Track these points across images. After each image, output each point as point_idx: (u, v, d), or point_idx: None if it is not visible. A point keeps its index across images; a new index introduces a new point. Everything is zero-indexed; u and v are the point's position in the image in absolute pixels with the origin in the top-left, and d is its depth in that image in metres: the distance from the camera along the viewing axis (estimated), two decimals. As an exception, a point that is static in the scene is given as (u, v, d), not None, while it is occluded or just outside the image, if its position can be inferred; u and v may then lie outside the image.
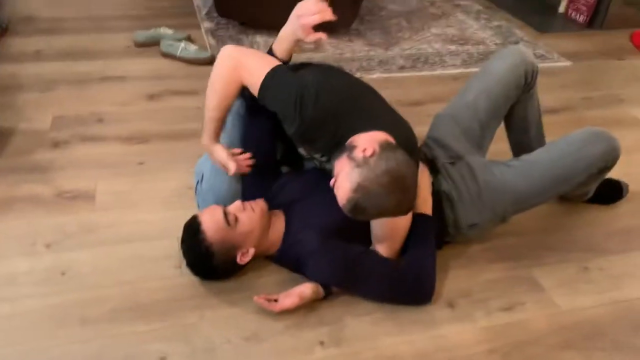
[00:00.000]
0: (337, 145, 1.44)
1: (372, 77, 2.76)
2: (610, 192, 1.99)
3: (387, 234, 1.57)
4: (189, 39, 2.96)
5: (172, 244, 1.68)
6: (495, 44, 3.24)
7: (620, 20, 3.53)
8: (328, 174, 1.59)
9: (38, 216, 1.78)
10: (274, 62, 1.48)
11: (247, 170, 1.68)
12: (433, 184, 1.67)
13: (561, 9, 3.76)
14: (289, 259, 1.59)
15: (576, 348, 1.48)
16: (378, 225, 1.56)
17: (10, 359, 1.37)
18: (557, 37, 3.43)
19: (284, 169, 1.85)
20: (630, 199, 2.02)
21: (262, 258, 1.64)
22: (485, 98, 1.78)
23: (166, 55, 2.81)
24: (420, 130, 1.71)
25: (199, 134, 2.17)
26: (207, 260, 1.51)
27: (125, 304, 1.51)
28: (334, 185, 1.38)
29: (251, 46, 2.97)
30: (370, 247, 1.61)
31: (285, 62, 1.60)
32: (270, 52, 1.62)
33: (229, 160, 1.60)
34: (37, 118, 2.27)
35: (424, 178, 1.64)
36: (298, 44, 1.57)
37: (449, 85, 2.73)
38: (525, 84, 1.79)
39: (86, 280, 1.57)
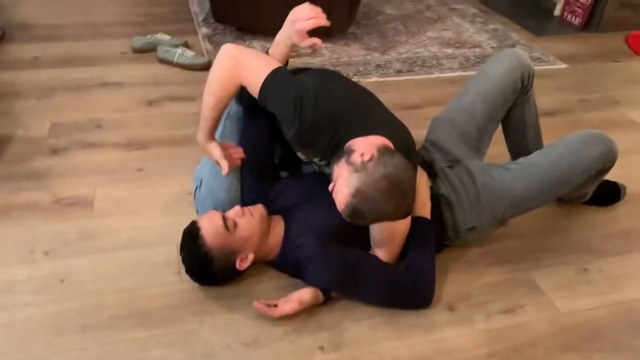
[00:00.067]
0: (336, 149, 1.45)
1: (369, 81, 2.77)
2: (608, 194, 1.99)
3: (386, 238, 1.57)
4: (185, 45, 2.96)
5: (172, 250, 1.68)
6: (492, 47, 3.25)
7: (616, 22, 3.55)
8: (326, 178, 1.60)
9: (36, 223, 1.78)
10: (275, 64, 1.48)
11: (238, 163, 1.68)
12: (431, 188, 1.67)
13: (557, 11, 3.78)
14: (288, 264, 1.59)
15: (576, 350, 1.49)
16: (377, 230, 1.56)
17: (10, 367, 1.37)
18: (553, 40, 3.45)
19: (283, 174, 1.85)
20: (628, 201, 2.03)
21: (262, 263, 1.64)
22: (482, 101, 1.78)
23: (163, 61, 2.81)
24: (418, 134, 1.71)
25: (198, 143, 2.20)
26: (207, 266, 1.50)
27: (124, 311, 1.51)
28: (332, 190, 1.38)
29: (248, 51, 2.97)
30: (370, 252, 1.61)
31: (282, 67, 1.60)
32: (267, 57, 1.62)
33: (222, 159, 1.60)
34: (35, 125, 2.27)
35: (423, 182, 1.64)
36: (294, 49, 1.57)
37: (446, 88, 2.74)
38: (522, 87, 1.79)
39: (85, 288, 1.57)
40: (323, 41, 1.53)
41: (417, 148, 1.63)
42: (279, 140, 1.69)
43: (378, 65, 2.95)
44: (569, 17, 3.69)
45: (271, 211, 1.66)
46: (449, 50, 3.19)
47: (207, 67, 2.77)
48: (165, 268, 1.64)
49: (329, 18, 1.51)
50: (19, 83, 2.57)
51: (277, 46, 1.57)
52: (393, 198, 1.33)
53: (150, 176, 2.03)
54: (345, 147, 1.42)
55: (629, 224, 1.95)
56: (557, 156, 1.68)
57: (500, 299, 1.62)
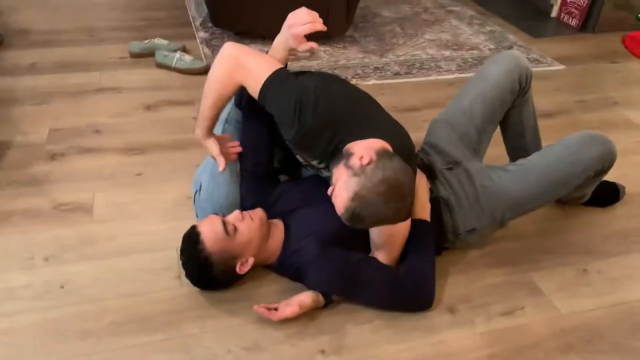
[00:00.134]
0: (335, 152, 1.45)
1: (368, 84, 2.78)
2: (607, 195, 2.00)
3: (386, 241, 1.57)
4: (183, 49, 2.97)
5: (172, 255, 1.68)
6: (489, 49, 3.26)
7: (612, 23, 3.56)
8: (326, 182, 1.60)
9: (36, 229, 1.78)
10: (275, 65, 1.48)
11: (234, 157, 1.68)
12: (431, 190, 1.67)
13: (554, 13, 3.79)
14: (289, 267, 1.59)
15: (576, 351, 1.49)
16: (377, 233, 1.56)
17: (11, 374, 1.37)
18: (550, 41, 3.45)
19: (282, 178, 1.85)
20: (627, 201, 2.03)
21: (262, 267, 1.64)
22: (480, 103, 1.79)
23: (161, 65, 2.81)
24: (417, 136, 1.71)
25: (197, 144, 2.19)
26: (207, 271, 1.50)
27: (125, 316, 1.51)
28: (331, 194, 1.38)
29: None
30: (370, 255, 1.61)
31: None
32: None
33: (219, 156, 1.60)
34: (34, 131, 2.27)
35: (422, 184, 1.64)
36: (291, 53, 1.58)
37: (445, 90, 2.74)
38: (520, 89, 1.80)
39: (85, 293, 1.57)
40: (321, 44, 1.53)
41: (415, 150, 1.63)
42: (278, 144, 1.70)
43: (376, 68, 2.96)
44: (565, 18, 3.70)
45: (271, 215, 1.66)
46: (447, 53, 3.19)
47: (205, 71, 2.77)
48: (165, 273, 1.64)
49: (326, 21, 1.51)
50: (17, 89, 2.57)
51: (275, 50, 1.57)
52: (392, 201, 1.33)
53: (150, 181, 2.03)
54: (344, 150, 1.42)
55: (628, 225, 1.95)
56: (556, 157, 1.69)
57: (500, 300, 1.62)
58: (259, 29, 3.03)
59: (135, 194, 1.96)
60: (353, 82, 2.74)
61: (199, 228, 1.52)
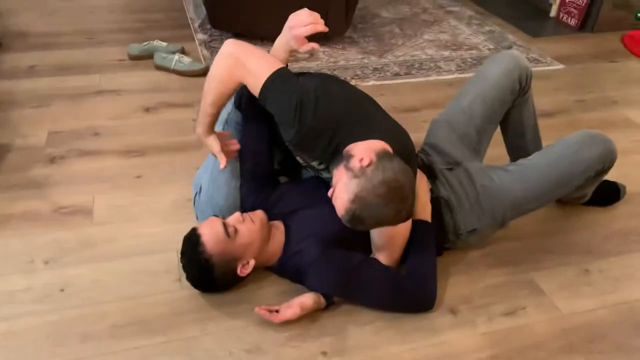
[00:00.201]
0: (335, 153, 1.45)
1: (367, 85, 2.78)
2: (608, 194, 1.99)
3: (387, 242, 1.57)
4: (182, 51, 2.97)
5: (172, 257, 1.67)
6: (489, 49, 3.26)
7: (611, 22, 3.56)
8: (326, 183, 1.60)
9: (36, 232, 1.78)
10: (276, 64, 1.47)
11: (233, 155, 1.68)
12: (431, 191, 1.67)
13: (552, 13, 3.79)
14: (290, 269, 1.59)
15: (578, 351, 1.48)
16: (377, 234, 1.56)
17: (11, 377, 1.36)
18: (549, 41, 3.45)
19: (282, 179, 1.85)
20: (628, 201, 2.03)
21: (262, 269, 1.64)
22: (480, 103, 1.78)
23: (160, 68, 2.81)
24: (417, 137, 1.71)
25: (197, 146, 2.20)
26: (207, 273, 1.50)
27: (125, 319, 1.50)
28: (331, 195, 1.38)
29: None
30: (371, 256, 1.61)
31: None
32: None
33: (220, 154, 1.60)
34: (33, 134, 2.27)
35: (422, 184, 1.64)
36: (292, 54, 1.57)
37: (444, 91, 2.74)
38: (520, 88, 1.80)
39: (86, 296, 1.56)
40: (320, 45, 1.53)
41: (416, 151, 1.63)
42: (278, 145, 1.69)
43: (375, 69, 2.96)
44: (564, 18, 3.70)
45: (271, 217, 1.65)
46: (446, 53, 3.19)
47: (204, 73, 2.76)
48: (165, 275, 1.64)
49: (325, 22, 1.51)
50: (16, 92, 2.57)
51: (276, 51, 1.57)
52: (393, 203, 1.33)
53: (149, 183, 2.03)
54: (344, 152, 1.42)
55: (628, 224, 1.95)
56: (556, 157, 1.69)
57: (501, 301, 1.62)
58: (257, 31, 3.03)
59: (134, 197, 1.95)
60: (352, 83, 2.74)
61: (199, 230, 1.52)
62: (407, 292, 1.54)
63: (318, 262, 1.53)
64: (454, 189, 1.68)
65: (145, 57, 2.89)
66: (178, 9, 3.62)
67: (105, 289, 1.59)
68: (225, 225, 1.51)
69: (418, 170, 1.63)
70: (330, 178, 1.46)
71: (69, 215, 1.85)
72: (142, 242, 1.76)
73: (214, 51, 3.03)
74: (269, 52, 1.59)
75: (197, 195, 1.79)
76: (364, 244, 1.60)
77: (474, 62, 3.09)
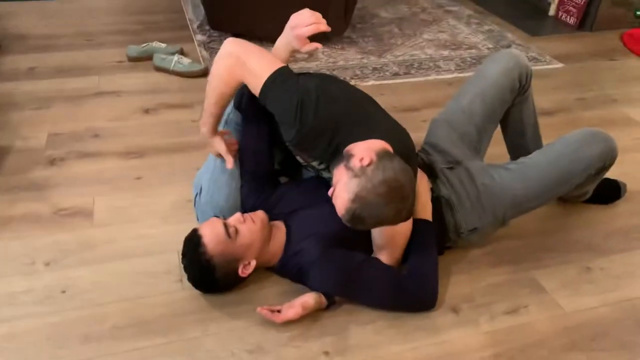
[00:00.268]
0: (335, 153, 1.44)
1: (367, 85, 2.77)
2: (609, 192, 1.99)
3: (388, 242, 1.57)
4: (181, 52, 2.96)
5: (173, 258, 1.67)
6: (488, 48, 3.26)
7: (610, 21, 3.56)
8: (326, 183, 1.60)
9: (36, 234, 1.77)
10: (277, 63, 1.47)
11: (234, 153, 1.68)
12: (432, 190, 1.67)
13: (551, 11, 3.80)
14: (291, 269, 1.59)
15: (581, 349, 1.48)
16: (378, 234, 1.56)
17: (12, 380, 1.36)
18: (548, 39, 3.46)
19: (282, 179, 1.85)
20: (629, 198, 2.03)
21: (263, 269, 1.63)
22: (480, 102, 1.78)
23: (159, 69, 2.81)
24: (417, 136, 1.71)
25: (196, 147, 2.20)
26: (209, 274, 1.50)
27: (127, 321, 1.50)
28: (332, 195, 1.38)
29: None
30: (372, 255, 1.61)
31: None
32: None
33: (227, 154, 1.61)
34: (33, 136, 2.26)
35: (423, 184, 1.64)
36: (293, 54, 1.57)
37: (444, 90, 2.74)
38: (520, 87, 1.80)
39: (86, 298, 1.56)
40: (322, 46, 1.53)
41: (416, 150, 1.63)
42: (278, 145, 1.69)
43: (375, 69, 2.96)
44: (563, 16, 3.70)
45: (272, 217, 1.65)
46: (445, 52, 3.19)
47: (203, 74, 2.77)
48: (166, 276, 1.63)
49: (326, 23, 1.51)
50: (15, 94, 2.57)
51: (277, 52, 1.56)
52: (393, 202, 1.33)
53: (149, 184, 2.03)
54: (344, 151, 1.42)
55: (629, 222, 1.95)
56: (557, 155, 1.68)
57: (503, 299, 1.62)
58: (256, 31, 3.02)
59: (134, 198, 1.95)
60: (352, 83, 2.74)
61: (200, 231, 1.51)
62: (409, 291, 1.54)
63: (319, 261, 1.53)
64: (455, 188, 1.68)
65: (144, 59, 2.89)
66: (177, 10, 3.62)
67: (106, 290, 1.59)
68: (226, 226, 1.51)
69: (418, 169, 1.63)
70: (331, 178, 1.46)
71: (69, 217, 1.85)
72: (143, 243, 1.75)
73: (213, 52, 3.03)
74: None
75: (198, 196, 1.79)
76: (365, 243, 1.60)
77: (473, 61, 3.09)
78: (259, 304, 1.51)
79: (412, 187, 1.38)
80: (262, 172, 1.73)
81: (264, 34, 2.70)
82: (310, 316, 1.51)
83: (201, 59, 2.96)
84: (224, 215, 1.62)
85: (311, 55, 3.03)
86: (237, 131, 1.75)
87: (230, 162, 1.60)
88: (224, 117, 1.73)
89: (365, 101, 1.57)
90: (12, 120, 2.37)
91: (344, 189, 1.33)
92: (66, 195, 1.95)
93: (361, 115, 1.48)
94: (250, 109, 1.67)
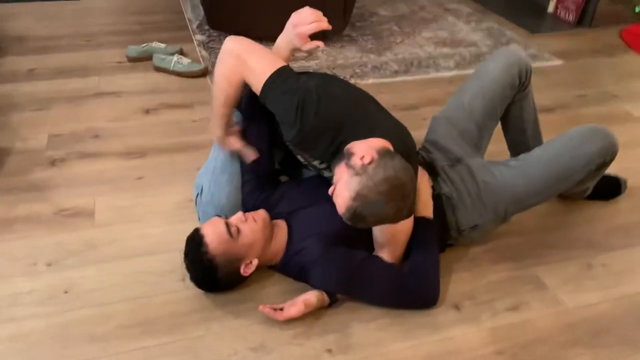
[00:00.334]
0: (336, 152, 1.45)
1: (366, 83, 2.77)
2: (609, 188, 2.00)
3: (389, 240, 1.57)
4: (181, 52, 2.96)
5: (175, 258, 1.67)
6: (487, 46, 3.26)
7: (609, 17, 3.56)
8: (327, 181, 1.60)
9: (38, 235, 1.78)
10: (278, 62, 1.47)
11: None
12: (433, 187, 1.67)
13: (550, 8, 3.80)
14: (293, 268, 1.59)
15: (583, 345, 1.49)
16: (379, 232, 1.56)
17: (17, 380, 1.36)
18: (547, 36, 3.46)
19: (283, 178, 1.85)
20: (630, 194, 2.03)
21: (265, 268, 1.64)
22: (480, 99, 1.79)
23: (159, 69, 2.81)
24: (417, 134, 1.71)
25: (197, 146, 2.20)
26: (211, 273, 1.50)
27: (130, 320, 1.50)
28: (332, 193, 1.38)
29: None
30: (373, 253, 1.61)
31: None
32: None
33: (245, 149, 1.63)
34: (33, 137, 2.26)
35: (424, 181, 1.64)
36: (294, 53, 1.57)
37: (444, 88, 2.74)
38: (520, 84, 1.80)
39: (90, 298, 1.56)
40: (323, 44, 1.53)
41: (416, 148, 1.63)
42: (279, 145, 1.69)
43: (374, 67, 2.96)
44: (562, 13, 3.70)
45: (273, 216, 1.65)
46: (445, 50, 3.19)
47: (203, 73, 2.77)
48: (169, 276, 1.64)
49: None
50: (15, 95, 2.57)
51: (278, 50, 1.56)
52: (394, 200, 1.33)
53: (150, 184, 2.03)
54: (344, 150, 1.42)
55: (630, 218, 1.95)
56: (558, 152, 1.69)
57: (505, 296, 1.62)
58: (256, 31, 3.00)
59: (136, 198, 1.95)
60: (352, 81, 2.74)
61: (202, 230, 1.52)
62: (410, 288, 1.54)
63: (320, 260, 1.53)
64: (456, 185, 1.68)
65: (144, 59, 2.89)
66: (176, 11, 3.61)
67: (109, 290, 1.59)
68: (227, 225, 1.51)
69: (419, 167, 1.63)
70: (332, 177, 1.46)
71: (71, 218, 1.85)
72: (145, 243, 1.76)
73: (212, 52, 3.03)
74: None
75: (199, 195, 1.79)
76: (366, 241, 1.60)
77: (473, 59, 3.09)
78: (262, 302, 1.51)
79: (413, 185, 1.39)
80: (263, 172, 1.73)
81: (264, 33, 2.70)
82: (312, 314, 1.52)
83: (201, 59, 2.96)
84: (225, 214, 1.62)
85: (311, 53, 3.03)
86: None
87: (252, 156, 1.63)
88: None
89: (365, 100, 1.57)
90: (12, 121, 2.37)
91: (344, 187, 1.33)
92: (67, 195, 1.95)
93: (362, 115, 1.48)
94: (250, 109, 1.68)
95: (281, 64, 1.46)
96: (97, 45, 3.10)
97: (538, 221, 1.90)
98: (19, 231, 1.79)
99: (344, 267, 1.54)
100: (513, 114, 1.87)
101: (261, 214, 1.59)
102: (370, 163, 1.33)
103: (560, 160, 1.67)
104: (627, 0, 3.55)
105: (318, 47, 1.51)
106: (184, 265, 1.56)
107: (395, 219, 1.38)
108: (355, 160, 1.35)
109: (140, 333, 1.47)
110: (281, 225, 1.64)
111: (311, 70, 1.64)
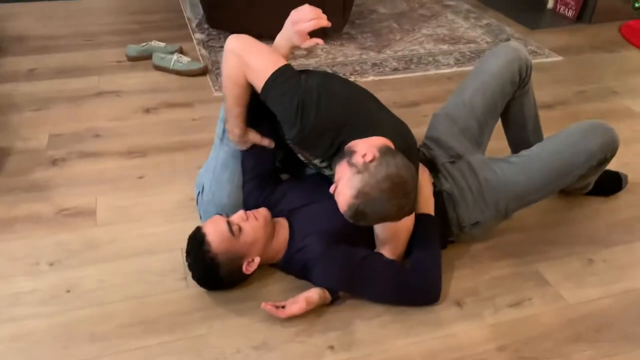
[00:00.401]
0: (337, 151, 1.45)
1: (366, 80, 2.77)
2: (610, 184, 1.99)
3: (391, 237, 1.57)
4: (180, 51, 2.96)
5: (177, 257, 1.68)
6: (487, 42, 3.26)
7: (608, 13, 3.56)
8: (328, 179, 1.60)
9: (39, 235, 1.78)
10: (279, 61, 1.47)
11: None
12: (434, 184, 1.67)
13: (550, 4, 3.79)
14: (294, 265, 1.59)
15: (585, 340, 1.49)
16: (381, 229, 1.56)
17: (20, 379, 1.36)
18: (547, 32, 3.45)
19: (284, 177, 1.85)
20: (630, 190, 2.03)
21: (267, 266, 1.64)
22: (481, 96, 1.78)
23: (159, 68, 2.81)
24: (417, 131, 1.71)
25: (198, 145, 2.20)
26: (213, 272, 1.50)
27: (132, 319, 1.50)
28: (334, 191, 1.38)
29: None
30: (375, 250, 1.61)
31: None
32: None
33: (265, 139, 1.65)
34: (34, 137, 2.27)
35: (425, 178, 1.64)
36: (293, 50, 1.57)
37: (444, 85, 2.74)
38: (520, 80, 1.80)
39: (92, 297, 1.56)
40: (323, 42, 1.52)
41: (417, 146, 1.63)
42: (280, 144, 1.69)
43: (374, 64, 2.96)
44: (562, 9, 3.69)
45: (274, 214, 1.65)
46: (444, 47, 3.19)
47: (203, 72, 2.77)
48: (171, 274, 1.64)
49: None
50: (15, 95, 2.57)
51: (277, 48, 1.56)
52: (396, 198, 1.33)
53: (151, 183, 2.03)
54: (345, 148, 1.42)
55: (631, 213, 1.95)
56: (558, 148, 1.69)
57: (507, 292, 1.62)
58: (255, 29, 2.98)
59: (137, 197, 1.95)
60: (352, 79, 2.74)
61: (204, 229, 1.52)
62: (412, 285, 1.54)
63: (322, 258, 1.53)
64: (457, 182, 1.68)
65: (143, 58, 2.89)
66: (175, 10, 3.62)
67: (111, 289, 1.59)
68: (229, 224, 1.51)
69: (420, 164, 1.63)
70: (332, 175, 1.46)
71: (72, 217, 1.85)
72: (146, 242, 1.76)
73: (212, 50, 3.03)
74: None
75: (200, 194, 1.79)
76: (368, 239, 1.60)
77: (473, 55, 3.09)
78: (264, 300, 1.51)
79: (415, 183, 1.39)
80: (264, 170, 1.73)
81: (263, 31, 2.68)
82: (314, 311, 1.52)
83: (200, 58, 2.96)
84: (227, 213, 1.62)
85: (310, 51, 3.03)
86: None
87: (271, 144, 1.66)
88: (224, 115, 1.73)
89: (366, 98, 1.57)
90: (12, 121, 2.37)
91: (346, 185, 1.33)
92: (68, 195, 1.95)
93: (362, 114, 1.48)
94: (251, 107, 1.67)
95: (282, 62, 1.46)
96: (97, 44, 3.10)
97: (539, 217, 1.90)
98: (20, 231, 1.79)
99: (345, 265, 1.54)
100: (513, 111, 1.87)
101: (262, 212, 1.60)
102: (372, 161, 1.33)
103: (561, 156, 1.67)
104: (626, -5, 3.55)
105: (317, 44, 1.51)
106: (185, 264, 1.56)
107: (397, 216, 1.38)
108: (357, 159, 1.35)
109: (141, 332, 1.47)
110: (283, 223, 1.64)
111: (311, 69, 1.63)
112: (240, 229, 1.51)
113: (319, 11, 1.49)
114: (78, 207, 1.90)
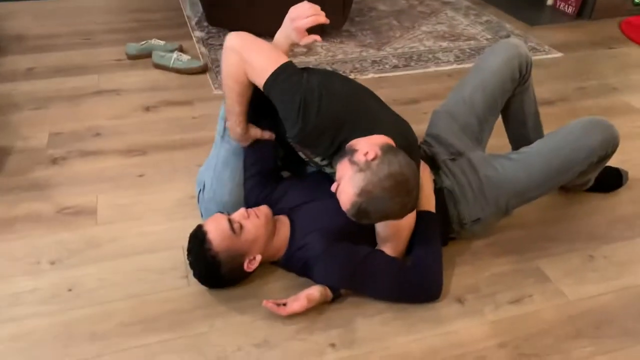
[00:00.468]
0: (338, 149, 1.45)
1: (366, 78, 2.77)
2: (611, 180, 1.99)
3: (392, 235, 1.57)
4: (180, 49, 2.96)
5: (178, 255, 1.68)
6: (487, 39, 3.26)
7: (608, 9, 3.56)
8: (329, 177, 1.60)
9: (40, 234, 1.78)
10: (280, 58, 1.46)
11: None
12: (435, 181, 1.67)
13: (549, 1, 3.79)
14: (296, 263, 1.59)
15: (586, 336, 1.49)
16: (382, 227, 1.56)
17: (21, 378, 1.36)
18: (546, 29, 3.45)
19: (285, 174, 1.85)
20: (631, 186, 2.03)
21: (268, 264, 1.64)
22: (481, 93, 1.78)
23: (158, 66, 2.80)
24: (418, 128, 1.71)
25: (198, 143, 2.20)
26: (215, 270, 1.50)
27: (133, 317, 1.50)
28: (336, 190, 1.38)
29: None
30: (376, 248, 1.61)
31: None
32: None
33: (265, 132, 1.65)
34: (33, 136, 2.26)
35: (426, 175, 1.64)
36: (292, 48, 1.57)
37: (444, 82, 2.74)
38: (520, 77, 1.79)
39: (93, 296, 1.57)
40: (321, 39, 1.52)
41: (418, 143, 1.63)
42: (281, 142, 1.69)
43: (374, 62, 2.95)
44: (561, 6, 3.69)
45: (276, 211, 1.65)
46: (444, 44, 3.19)
47: (203, 70, 2.77)
48: (172, 272, 1.64)
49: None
50: (15, 94, 2.57)
51: (277, 45, 1.56)
52: (399, 196, 1.33)
53: (152, 182, 2.03)
54: (346, 146, 1.42)
55: (632, 210, 1.95)
56: (559, 144, 1.69)
57: (508, 289, 1.62)
58: (255, 27, 2.98)
59: (137, 195, 1.95)
60: (352, 76, 2.74)
61: (205, 227, 1.52)
62: (413, 282, 1.54)
63: (323, 256, 1.53)
64: (457, 179, 1.68)
65: (143, 56, 2.89)
66: (174, 8, 3.61)
67: (112, 287, 1.59)
68: (230, 222, 1.51)
69: (421, 161, 1.63)
70: (333, 173, 1.46)
71: (73, 216, 1.85)
72: (147, 240, 1.76)
73: (211, 48, 3.03)
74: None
75: (201, 192, 1.79)
76: (369, 236, 1.60)
77: (473, 52, 3.09)
78: (265, 298, 1.51)
79: (417, 181, 1.39)
80: (265, 168, 1.73)
81: (263, 29, 2.69)
82: (315, 309, 1.52)
83: (200, 56, 2.95)
84: (228, 210, 1.62)
85: (309, 48, 3.03)
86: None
87: (272, 136, 1.66)
88: (224, 114, 1.73)
89: (366, 96, 1.57)
90: (12, 120, 2.37)
91: (349, 184, 1.33)
92: (69, 194, 1.95)
93: (363, 112, 1.48)
94: (252, 105, 1.67)
95: (283, 59, 1.46)
96: (96, 43, 3.10)
97: (539, 214, 1.90)
98: (21, 230, 1.79)
99: (346, 262, 1.54)
100: (514, 107, 1.87)
101: (264, 210, 1.59)
102: (374, 159, 1.33)
103: (561, 152, 1.67)
104: (626, -9, 3.55)
105: (315, 41, 1.51)
106: (187, 262, 1.56)
107: (399, 214, 1.38)
108: (359, 157, 1.35)
109: (142, 330, 1.47)
110: (284, 221, 1.64)
111: (311, 66, 1.63)
112: (241, 226, 1.51)
113: (317, 8, 1.49)
114: (78, 206, 1.90)
